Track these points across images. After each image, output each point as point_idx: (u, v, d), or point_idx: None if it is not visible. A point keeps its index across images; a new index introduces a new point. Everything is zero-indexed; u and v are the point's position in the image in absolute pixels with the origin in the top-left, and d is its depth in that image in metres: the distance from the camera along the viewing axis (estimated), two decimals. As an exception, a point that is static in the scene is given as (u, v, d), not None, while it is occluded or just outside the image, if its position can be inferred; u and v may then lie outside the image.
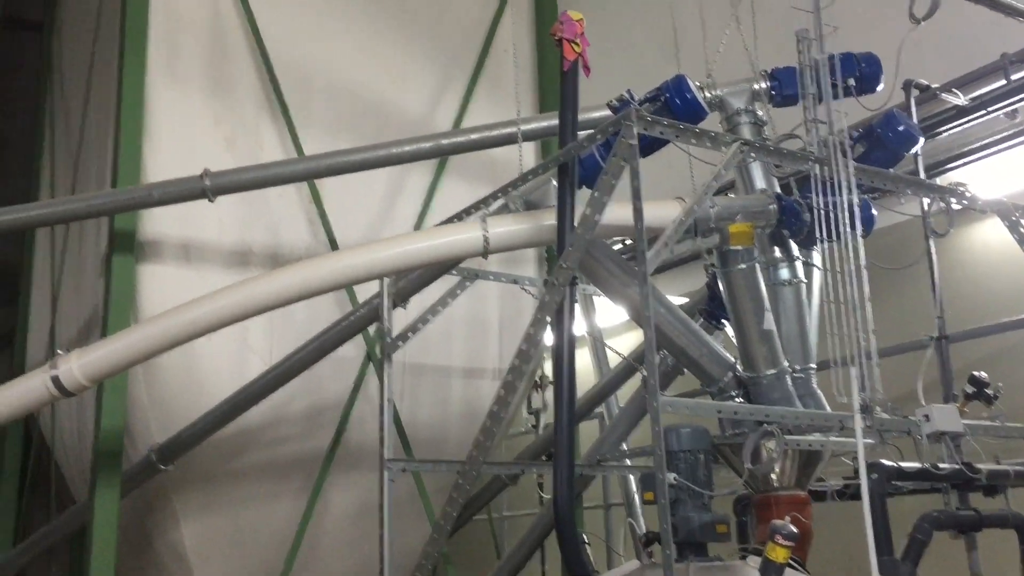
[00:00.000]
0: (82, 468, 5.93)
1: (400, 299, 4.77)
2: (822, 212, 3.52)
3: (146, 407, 5.30)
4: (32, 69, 8.53)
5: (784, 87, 4.10)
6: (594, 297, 6.02)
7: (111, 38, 6.05)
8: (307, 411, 5.69)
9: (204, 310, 4.12)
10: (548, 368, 7.13)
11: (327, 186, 5.87)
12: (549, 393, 6.86)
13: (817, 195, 3.55)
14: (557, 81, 3.71)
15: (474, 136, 5.50)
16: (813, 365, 3.80)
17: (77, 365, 4.06)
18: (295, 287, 4.15)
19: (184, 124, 5.68)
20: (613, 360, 5.87)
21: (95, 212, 5.24)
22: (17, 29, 8.49)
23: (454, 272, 4.81)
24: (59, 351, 4.16)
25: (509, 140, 5.38)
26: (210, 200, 5.05)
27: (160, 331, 4.14)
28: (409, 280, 4.78)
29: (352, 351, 5.58)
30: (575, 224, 3.51)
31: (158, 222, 5.41)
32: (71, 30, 7.66)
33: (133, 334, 4.19)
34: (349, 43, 6.33)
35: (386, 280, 4.58)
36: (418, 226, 6.20)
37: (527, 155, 5.32)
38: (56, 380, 4.06)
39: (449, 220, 4.38)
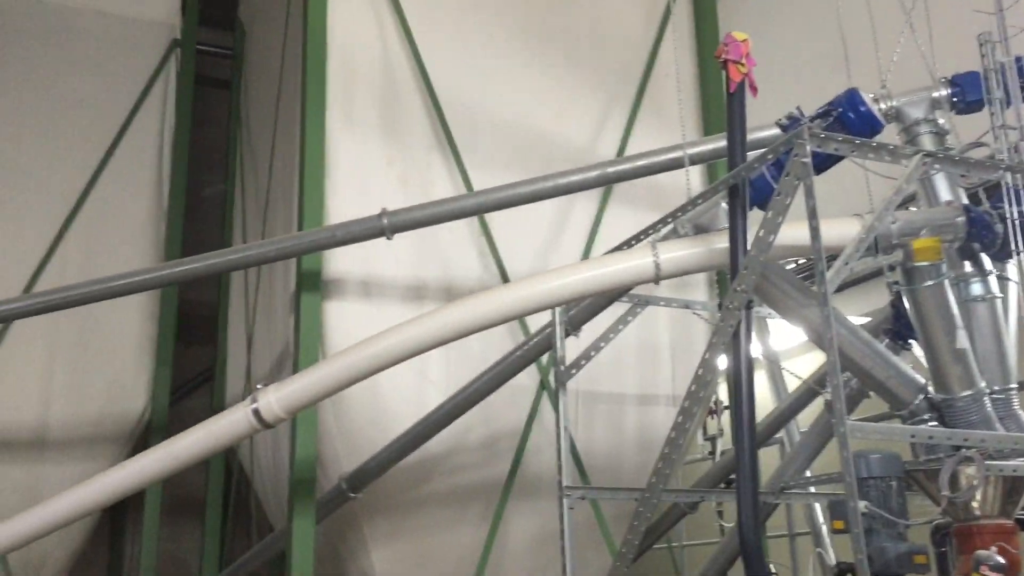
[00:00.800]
0: (279, 497, 6.29)
1: (572, 327, 4.83)
2: (1016, 222, 3.33)
3: (335, 438, 5.57)
4: (222, 124, 9.19)
5: (967, 93, 3.92)
6: (768, 319, 5.88)
7: (293, 92, 6.46)
8: (485, 440, 5.82)
9: (386, 345, 4.32)
10: (723, 393, 7.01)
11: (495, 219, 6.03)
12: (725, 418, 6.73)
13: (1010, 204, 3.36)
14: (721, 102, 3.71)
15: (640, 163, 5.51)
16: (1014, 385, 3.58)
17: (275, 398, 4.33)
18: (470, 320, 4.29)
19: (361, 167, 5.99)
20: (790, 383, 5.71)
21: (284, 254, 5.56)
22: (207, 87, 9.16)
23: (625, 299, 4.83)
24: (258, 385, 4.45)
25: (674, 165, 5.36)
26: (388, 238, 5.28)
27: (347, 366, 4.36)
28: (580, 308, 4.83)
29: (526, 380, 5.67)
30: (748, 246, 3.47)
31: (340, 261, 5.70)
32: (255, 87, 8.23)
33: (323, 369, 4.44)
34: (512, 78, 6.50)
35: (558, 309, 4.65)
36: (585, 254, 6.26)
37: (693, 179, 5.28)
38: (257, 412, 4.35)
39: (618, 248, 4.40)
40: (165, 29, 8.08)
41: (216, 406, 7.72)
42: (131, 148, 7.65)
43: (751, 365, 3.45)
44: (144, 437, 7.18)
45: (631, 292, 4.75)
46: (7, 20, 7.44)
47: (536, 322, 5.32)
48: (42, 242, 7.09)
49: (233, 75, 8.96)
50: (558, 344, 4.65)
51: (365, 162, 6.00)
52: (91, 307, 5.99)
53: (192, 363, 9.19)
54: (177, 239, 7.75)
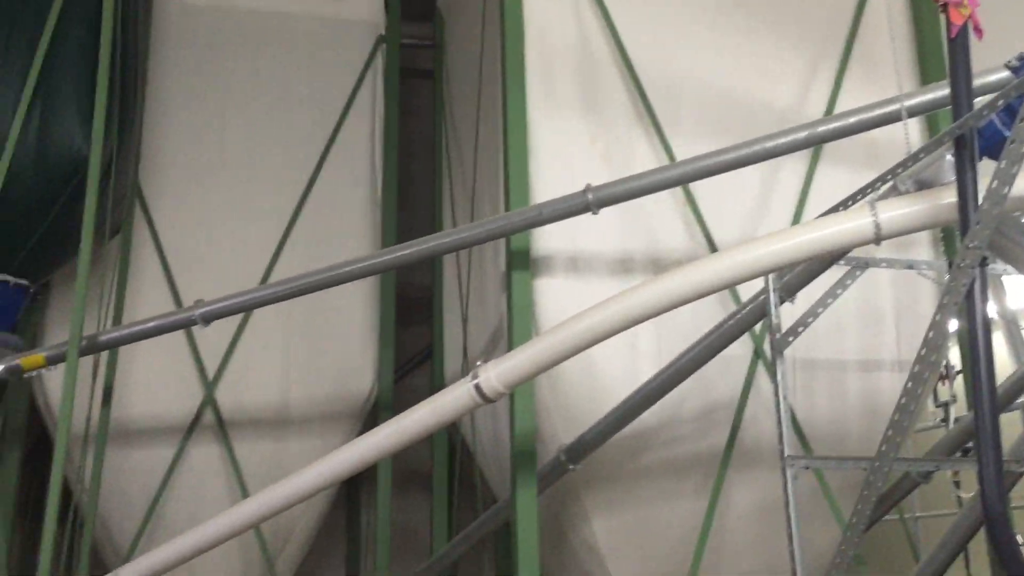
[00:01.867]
0: (501, 470, 6.53)
1: (787, 294, 4.71)
2: None
3: (552, 411, 5.72)
4: (427, 113, 9.55)
5: None
6: (1003, 277, 5.49)
7: (493, 76, 6.63)
8: (700, 410, 5.79)
9: (598, 319, 4.38)
10: (954, 357, 6.61)
11: (700, 188, 5.95)
12: (958, 383, 6.35)
13: None
14: (939, 49, 3.48)
15: (852, 120, 5.26)
16: None
17: (495, 374, 4.50)
18: (681, 291, 4.27)
19: (563, 145, 6.08)
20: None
21: (493, 235, 5.73)
22: (412, 78, 9.55)
23: (842, 263, 4.65)
24: (478, 362, 4.64)
25: (890, 119, 5.08)
26: (593, 213, 5.34)
27: (561, 340, 4.46)
28: (795, 274, 4.70)
29: (740, 349, 5.59)
30: (980, 200, 3.26)
31: (548, 238, 5.82)
32: (457, 75, 8.49)
33: (539, 344, 4.56)
34: (712, 44, 6.38)
35: (771, 276, 4.54)
36: (795, 219, 6.06)
37: (912, 133, 4.99)
38: (478, 388, 4.54)
39: (833, 209, 4.24)
40: (370, 27, 8.48)
41: (436, 384, 8.08)
42: (346, 142, 8.10)
43: (989, 326, 3.25)
44: (373, 414, 7.63)
45: (849, 255, 4.57)
46: (232, 32, 8.05)
47: (748, 290, 5.22)
48: (273, 236, 7.64)
49: (435, 65, 9.28)
50: (772, 312, 4.55)
51: (567, 141, 6.08)
52: (319, 293, 6.39)
53: (411, 343, 9.66)
54: (392, 226, 8.15)
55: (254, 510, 5.63)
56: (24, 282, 6.24)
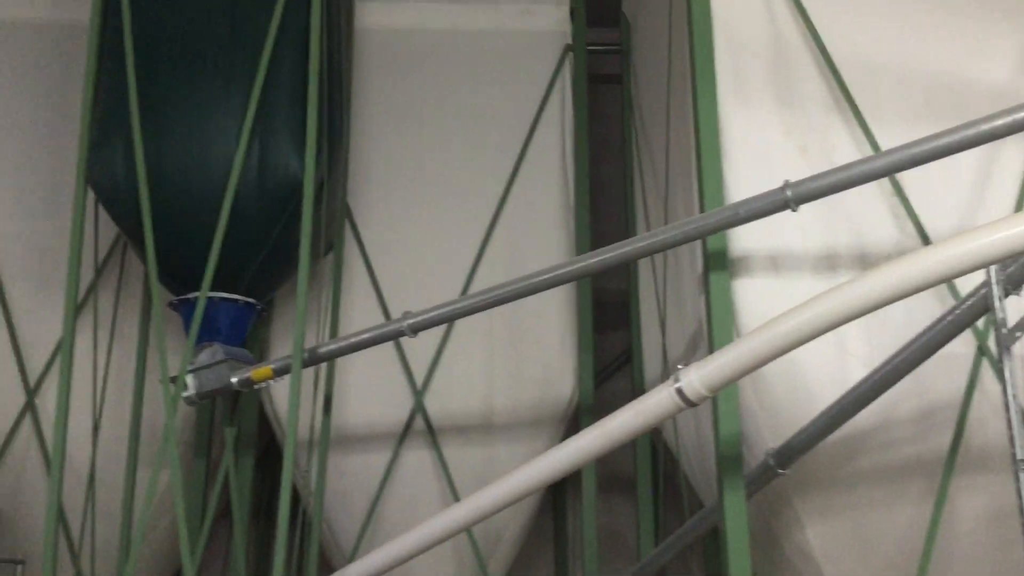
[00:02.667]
0: (706, 474, 6.44)
1: (1012, 286, 4.39)
2: None
3: (757, 414, 5.58)
4: (616, 117, 9.57)
5: None
6: None
7: (682, 75, 6.56)
8: (917, 412, 5.48)
9: (802, 319, 4.25)
10: None
11: (908, 177, 5.64)
12: None
13: None
14: None
15: (1081, 93, 4.84)
16: None
17: (697, 377, 4.47)
18: (892, 288, 4.07)
19: (757, 141, 5.92)
20: None
21: (689, 237, 5.66)
22: (600, 83, 9.59)
23: (1077, 249, 4.28)
24: (679, 366, 4.61)
25: None
26: (793, 210, 5.17)
27: (764, 342, 4.36)
28: (1019, 265, 4.37)
29: (960, 347, 5.25)
30: None
31: (746, 238, 5.69)
32: (645, 77, 8.47)
33: (741, 346, 4.48)
34: (913, 23, 6.04)
35: (993, 268, 4.25)
36: (1018, 206, 5.64)
37: None
38: (680, 392, 4.51)
39: (1064, 192, 3.92)
40: (558, 36, 8.61)
41: (636, 388, 8.07)
42: (537, 152, 8.26)
43: None
44: (575, 419, 7.72)
45: (1085, 240, 4.20)
46: (427, 52, 8.40)
47: (967, 283, 4.91)
48: (471, 247, 7.90)
49: (623, 69, 9.29)
50: (996, 306, 4.25)
51: (761, 135, 5.93)
52: (518, 302, 6.54)
53: (609, 348, 9.69)
54: (585, 232, 8.22)
55: (465, 514, 5.85)
56: (252, 300, 6.75)
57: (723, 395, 5.24)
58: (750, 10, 6.09)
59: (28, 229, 7.68)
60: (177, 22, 6.64)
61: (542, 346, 7.76)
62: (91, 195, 6.54)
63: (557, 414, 7.72)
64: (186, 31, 6.63)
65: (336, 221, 7.47)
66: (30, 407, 7.31)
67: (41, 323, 7.42)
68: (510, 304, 6.39)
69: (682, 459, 7.27)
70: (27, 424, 7.32)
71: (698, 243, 5.81)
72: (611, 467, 9.15)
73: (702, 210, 5.68)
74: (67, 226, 6.62)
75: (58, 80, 7.97)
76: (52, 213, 7.63)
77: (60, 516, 6.10)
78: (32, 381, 7.34)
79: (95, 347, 6.97)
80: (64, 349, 6.26)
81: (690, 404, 4.63)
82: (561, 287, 7.78)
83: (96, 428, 6.97)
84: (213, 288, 6.31)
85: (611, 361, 9.76)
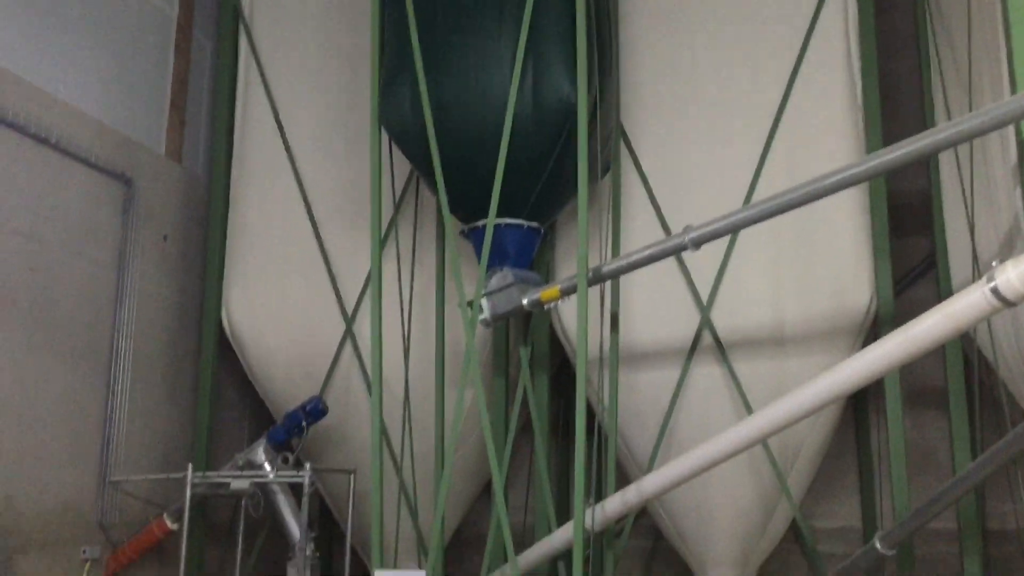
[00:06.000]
0: (1027, 381, 5.90)
1: None
2: None
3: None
4: (906, 6, 8.78)
5: None
6: None
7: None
8: None
9: None
10: None
11: None
12: None
13: None
14: None
15: None
16: None
17: (1016, 274, 4.07)
18: None
19: None
20: None
21: (998, 123, 5.10)
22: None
23: None
24: (993, 263, 4.21)
25: None
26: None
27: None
28: None
29: None
30: None
31: None
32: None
33: (1068, 236, 4.01)
34: None
35: None
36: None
37: None
38: (995, 291, 4.13)
39: None
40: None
41: (943, 294, 7.48)
42: (818, 50, 7.74)
43: None
44: (872, 329, 7.32)
45: None
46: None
47: None
48: (751, 157, 7.61)
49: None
50: None
51: None
52: (805, 209, 6.26)
53: (907, 254, 9.05)
54: (876, 130, 7.66)
55: (760, 426, 5.77)
56: (535, 224, 6.98)
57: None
58: None
59: (333, 174, 8.39)
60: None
61: (834, 254, 7.38)
62: (384, 137, 7.01)
63: (853, 325, 7.35)
64: (457, -30, 6.86)
65: (611, 142, 7.49)
66: (349, 335, 8.06)
67: (352, 258, 8.13)
68: (797, 212, 6.12)
69: (1000, 368, 6.68)
70: (348, 351, 8.10)
71: (1010, 130, 5.25)
72: (917, 379, 8.60)
73: (1013, 92, 5.11)
74: (366, 168, 7.18)
75: (347, 34, 8.57)
76: (352, 157, 8.28)
77: (382, 432, 6.72)
78: (349, 311, 8.08)
79: (399, 277, 7.54)
80: (373, 280, 6.82)
81: (1007, 304, 4.23)
82: (853, 191, 7.36)
83: (406, 352, 7.57)
84: (499, 215, 6.58)
85: (911, 268, 9.11)
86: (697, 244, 6.00)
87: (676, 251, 6.20)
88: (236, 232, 8.53)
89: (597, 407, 7.47)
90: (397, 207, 8.01)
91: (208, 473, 7.53)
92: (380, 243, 6.89)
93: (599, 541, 7.37)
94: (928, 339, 4.54)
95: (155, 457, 7.89)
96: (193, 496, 7.24)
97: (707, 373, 7.39)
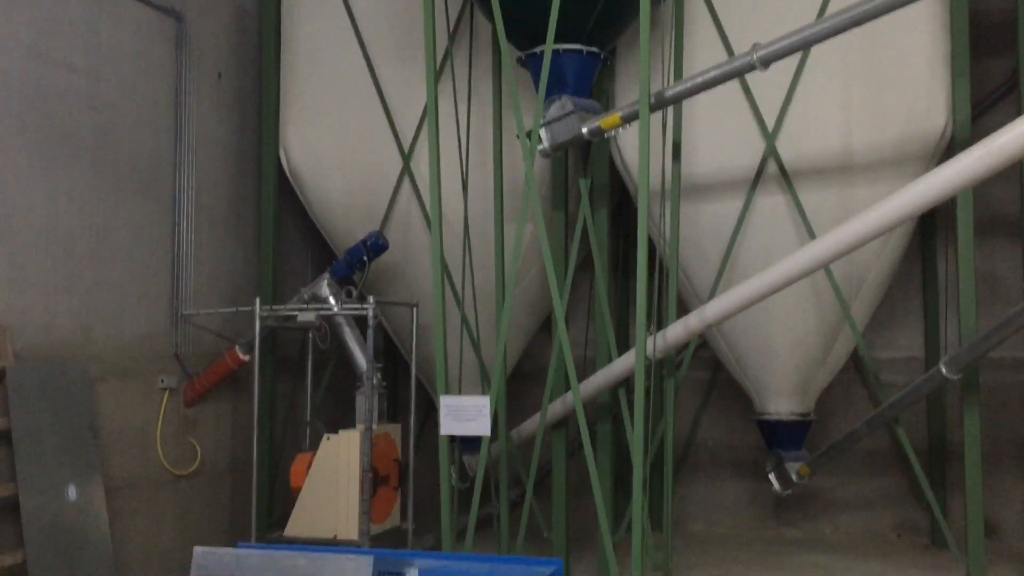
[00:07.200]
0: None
1: None
2: None
3: None
4: None
5: None
6: None
7: None
8: None
9: None
10: None
11: None
12: None
13: None
14: None
15: None
16: None
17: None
18: None
19: None
20: None
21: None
22: None
23: None
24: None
25: None
26: None
27: None
28: None
29: None
30: None
31: None
32: None
33: None
34: None
35: None
36: None
37: None
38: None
39: None
40: None
41: (1024, 116, 7.12)
42: None
43: None
44: (947, 154, 7.04)
45: None
46: None
47: None
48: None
49: None
50: None
51: None
52: (880, 28, 5.94)
53: (988, 77, 8.61)
54: (959, -55, 7.13)
55: (825, 249, 5.69)
56: (595, 49, 6.74)
57: None
58: None
59: (386, 6, 8.14)
60: None
61: (908, 76, 7.03)
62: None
63: (926, 151, 7.08)
64: None
65: (674, -39, 7.10)
66: (406, 170, 8.02)
67: (407, 91, 7.98)
68: (870, 32, 5.79)
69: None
70: (406, 186, 8.07)
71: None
72: (988, 209, 8.32)
73: None
74: (420, -4, 6.92)
75: None
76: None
77: (443, 266, 6.76)
78: (405, 146, 8.01)
79: (455, 109, 7.39)
80: (429, 114, 6.70)
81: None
82: (932, 7, 6.96)
83: (464, 185, 7.52)
84: (557, 40, 6.35)
85: (992, 91, 8.68)
86: (766, 63, 5.75)
87: (744, 71, 5.95)
88: (289, 69, 8.41)
89: (658, 240, 7.40)
90: (452, 37, 7.78)
91: (275, 307, 7.70)
92: (435, 75, 6.72)
93: (659, 371, 7.45)
94: (1010, 152, 4.33)
95: (223, 293, 8.08)
96: (262, 329, 7.44)
97: (771, 203, 7.24)
